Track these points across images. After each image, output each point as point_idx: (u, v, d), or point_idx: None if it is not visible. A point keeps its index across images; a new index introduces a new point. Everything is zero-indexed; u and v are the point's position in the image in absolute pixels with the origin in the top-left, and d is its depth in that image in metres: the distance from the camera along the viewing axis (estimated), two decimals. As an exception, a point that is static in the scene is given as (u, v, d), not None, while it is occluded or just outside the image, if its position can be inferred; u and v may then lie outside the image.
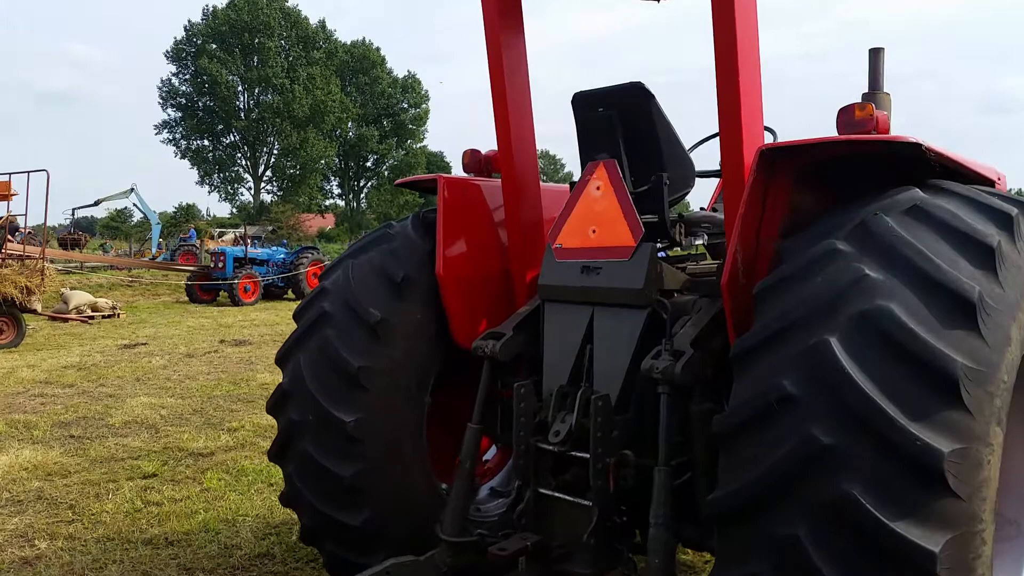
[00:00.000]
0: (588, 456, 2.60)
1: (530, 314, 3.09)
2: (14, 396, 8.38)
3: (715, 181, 4.05)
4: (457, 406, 3.43)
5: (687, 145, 3.22)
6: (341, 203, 71.06)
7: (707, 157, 3.42)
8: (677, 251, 3.30)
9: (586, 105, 3.01)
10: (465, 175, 3.52)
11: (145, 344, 12.57)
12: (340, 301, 3.11)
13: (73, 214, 27.40)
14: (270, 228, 43.77)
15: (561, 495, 2.79)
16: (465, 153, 3.53)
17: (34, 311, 13.21)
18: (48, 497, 5.01)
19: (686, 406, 2.51)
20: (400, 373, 3.10)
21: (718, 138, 2.60)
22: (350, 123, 64.85)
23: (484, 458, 3.93)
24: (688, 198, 3.28)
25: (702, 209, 3.82)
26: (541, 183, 3.31)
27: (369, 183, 69.51)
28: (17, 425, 6.94)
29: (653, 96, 2.92)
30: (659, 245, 3.02)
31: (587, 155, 3.00)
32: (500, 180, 3.27)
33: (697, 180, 3.21)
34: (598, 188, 2.88)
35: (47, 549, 4.18)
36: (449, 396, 3.48)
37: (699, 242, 3.22)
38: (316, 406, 3.02)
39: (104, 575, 3.85)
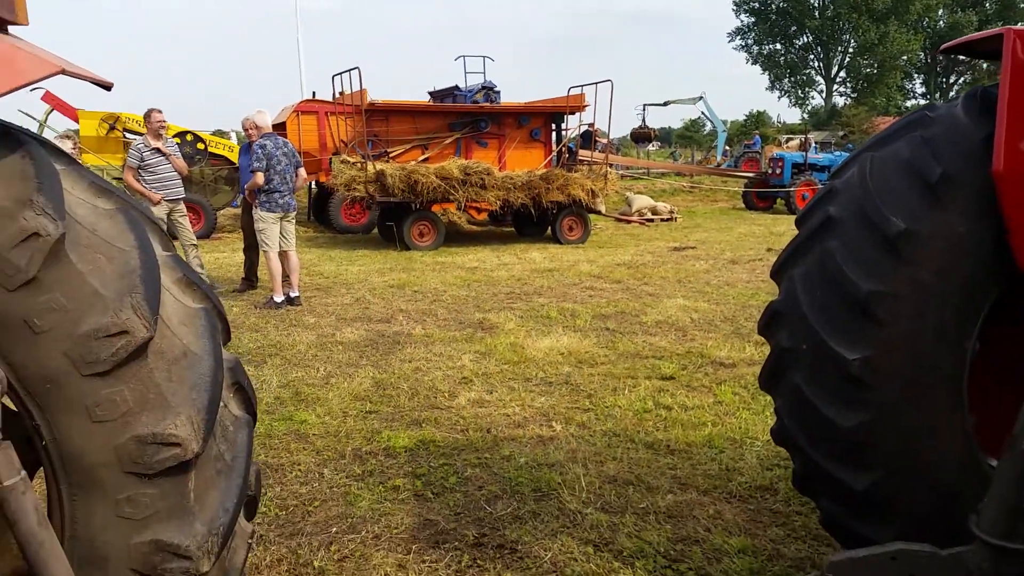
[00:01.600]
0: None
1: None
2: (569, 287, 9.42)
3: None
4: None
5: None
6: (925, 103, 63.08)
7: None
8: None
9: None
10: None
11: (693, 248, 12.97)
12: (851, 205, 2.37)
13: (644, 110, 29.30)
14: (840, 133, 41.15)
15: None
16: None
17: (599, 212, 14.76)
18: (573, 383, 5.40)
19: None
20: (930, 303, 2.26)
21: None
22: (940, 10, 56.26)
23: None
24: None
25: None
26: None
27: (961, 79, 59.93)
28: (565, 313, 7.73)
29: None
30: None
31: None
32: None
33: None
34: None
35: (560, 432, 4.46)
36: (1013, 342, 2.49)
37: None
38: (812, 334, 2.41)
39: (601, 470, 3.92)
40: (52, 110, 14.65)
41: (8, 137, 1.58)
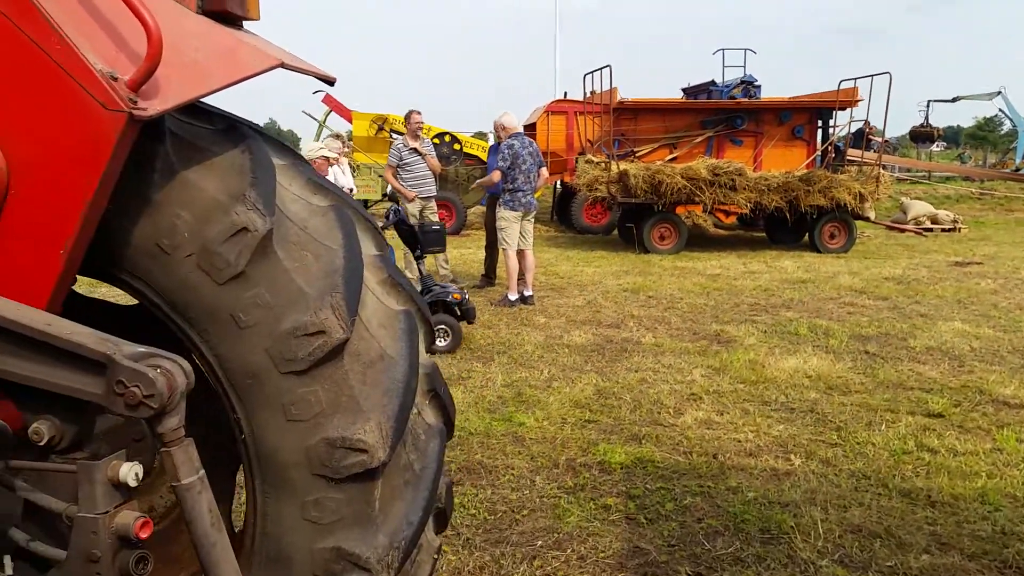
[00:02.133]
0: None
1: None
2: (825, 301, 8.57)
3: None
4: None
5: None
6: None
7: None
8: None
9: None
10: None
11: (979, 264, 11.33)
12: None
13: (928, 106, 25.92)
14: None
15: None
16: None
17: (866, 218, 13.32)
18: (819, 412, 4.82)
19: None
20: None
21: None
22: None
23: None
24: None
25: None
26: None
27: None
28: (817, 331, 7.01)
29: None
30: None
31: None
32: None
33: None
34: None
35: (799, 467, 3.98)
36: None
37: None
38: None
39: (844, 516, 3.43)
40: (330, 111, 16.28)
41: (234, 132, 1.60)
